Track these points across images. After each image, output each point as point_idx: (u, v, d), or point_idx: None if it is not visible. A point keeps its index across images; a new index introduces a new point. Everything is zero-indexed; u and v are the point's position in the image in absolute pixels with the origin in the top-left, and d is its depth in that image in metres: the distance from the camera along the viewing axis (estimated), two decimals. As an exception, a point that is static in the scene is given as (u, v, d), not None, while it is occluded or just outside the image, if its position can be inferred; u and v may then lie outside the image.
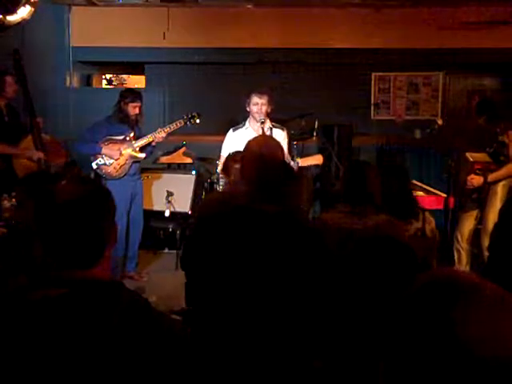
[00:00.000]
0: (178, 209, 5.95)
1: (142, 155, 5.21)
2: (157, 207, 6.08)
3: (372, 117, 8.28)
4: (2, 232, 3.55)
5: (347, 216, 2.66)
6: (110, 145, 5.11)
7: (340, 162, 6.40)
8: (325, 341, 2.29)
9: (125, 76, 9.79)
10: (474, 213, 4.73)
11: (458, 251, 4.81)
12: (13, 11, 4.66)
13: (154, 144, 5.25)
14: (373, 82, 8.43)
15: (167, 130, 5.19)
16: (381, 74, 8.41)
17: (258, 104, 4.53)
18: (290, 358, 2.18)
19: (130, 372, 1.24)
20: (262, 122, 4.54)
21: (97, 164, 5.09)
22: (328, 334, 2.30)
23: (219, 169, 5.01)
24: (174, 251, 5.85)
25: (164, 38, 7.21)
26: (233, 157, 3.52)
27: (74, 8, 7.45)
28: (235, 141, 4.60)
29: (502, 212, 3.04)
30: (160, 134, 5.16)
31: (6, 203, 3.94)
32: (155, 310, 1.38)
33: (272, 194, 2.36)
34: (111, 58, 7.87)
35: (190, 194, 6.21)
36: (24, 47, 5.59)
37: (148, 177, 6.13)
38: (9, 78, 4.60)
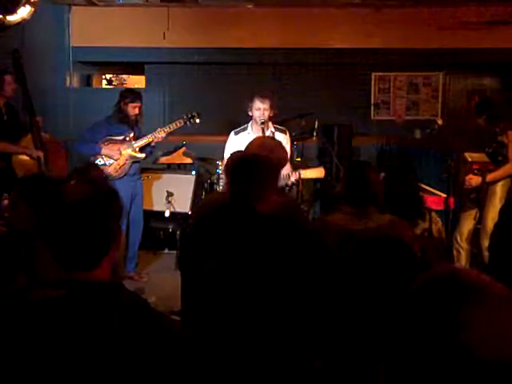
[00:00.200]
0: (178, 209, 5.95)
1: (142, 155, 5.21)
2: (157, 207, 6.08)
3: (372, 117, 8.28)
4: (2, 231, 3.55)
5: (351, 217, 2.66)
6: (110, 145, 5.11)
7: (340, 162, 6.40)
8: (325, 341, 2.29)
9: (125, 76, 9.79)
10: (473, 212, 4.73)
11: (458, 251, 4.82)
12: (13, 11, 4.66)
13: (153, 144, 5.25)
14: (373, 82, 8.43)
15: (167, 129, 5.18)
16: (381, 73, 8.41)
17: (261, 109, 4.51)
18: (289, 358, 2.17)
19: (130, 373, 1.24)
20: (263, 123, 4.53)
21: (96, 164, 5.09)
22: (328, 335, 2.30)
23: (221, 171, 5.01)
24: (174, 251, 5.85)
25: (164, 38, 7.21)
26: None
27: (73, 8, 7.45)
28: (237, 145, 4.58)
29: (502, 212, 3.04)
30: (160, 134, 5.15)
31: (6, 202, 3.94)
32: (155, 311, 1.38)
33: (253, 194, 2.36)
34: (111, 58, 7.87)
35: (190, 195, 6.21)
36: (24, 47, 5.59)
37: (148, 177, 6.13)
38: (7, 77, 4.59)
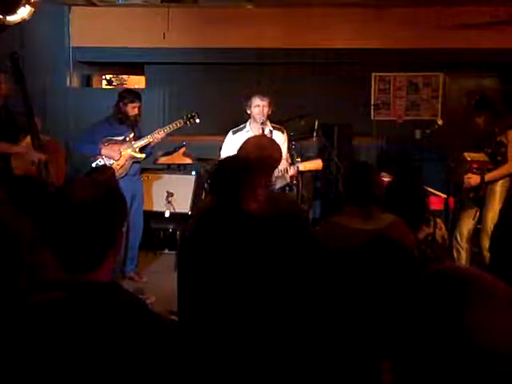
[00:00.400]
0: (178, 209, 5.95)
1: (142, 155, 5.21)
2: (157, 208, 6.08)
3: (372, 117, 8.27)
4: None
5: (354, 217, 2.66)
6: (110, 145, 5.11)
7: (340, 162, 6.40)
8: (325, 341, 2.29)
9: (125, 76, 9.78)
10: (473, 212, 4.73)
11: (458, 251, 4.82)
12: (13, 11, 4.65)
13: (152, 145, 5.25)
14: (373, 82, 8.43)
15: (167, 130, 5.18)
16: (381, 74, 8.41)
17: (260, 106, 4.53)
18: (289, 359, 2.17)
19: (128, 374, 1.24)
20: (263, 123, 4.54)
21: (97, 165, 5.09)
22: (327, 335, 2.30)
23: None
24: (174, 252, 5.85)
25: (164, 38, 7.20)
26: None
27: (73, 8, 7.44)
28: (235, 144, 4.60)
29: (502, 212, 3.05)
30: (159, 135, 5.15)
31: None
32: (153, 312, 1.38)
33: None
34: (111, 58, 7.86)
35: (190, 195, 6.20)
36: (24, 47, 5.60)
37: (148, 177, 6.13)
38: (2, 76, 4.59)
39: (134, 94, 5.16)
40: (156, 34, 7.26)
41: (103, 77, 9.35)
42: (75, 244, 1.32)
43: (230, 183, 2.37)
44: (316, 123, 6.68)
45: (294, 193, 5.26)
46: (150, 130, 5.20)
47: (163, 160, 6.59)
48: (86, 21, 7.41)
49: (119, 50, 7.58)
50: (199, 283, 2.24)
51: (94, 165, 5.08)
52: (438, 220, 3.11)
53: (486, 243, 4.48)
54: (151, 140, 5.17)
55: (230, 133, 4.72)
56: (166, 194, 5.87)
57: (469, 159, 4.65)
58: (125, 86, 9.50)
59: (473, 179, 4.59)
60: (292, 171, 4.41)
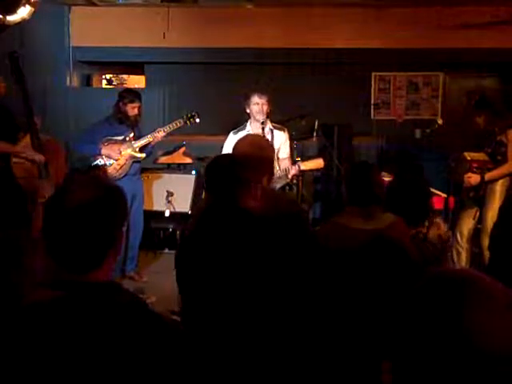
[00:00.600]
0: (178, 209, 5.95)
1: (142, 155, 5.21)
2: (157, 207, 6.08)
3: (372, 117, 8.27)
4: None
5: (355, 217, 2.67)
6: (110, 145, 5.10)
7: (340, 162, 6.40)
8: (325, 340, 2.29)
9: (125, 76, 9.79)
10: (473, 211, 4.73)
11: (458, 250, 4.81)
12: (13, 11, 4.65)
13: (152, 144, 5.25)
14: (373, 82, 8.43)
15: (167, 129, 5.18)
16: (381, 73, 8.41)
17: (259, 104, 4.54)
18: (289, 358, 2.17)
19: (129, 373, 1.24)
20: (263, 123, 4.54)
21: (96, 165, 5.09)
22: (327, 334, 2.30)
23: None
24: (174, 251, 5.85)
25: (164, 38, 7.20)
26: None
27: (73, 8, 7.44)
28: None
29: (501, 210, 3.04)
30: (159, 134, 5.15)
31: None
32: (154, 312, 1.38)
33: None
34: (111, 58, 7.87)
35: (190, 195, 6.21)
36: (24, 47, 5.59)
37: (148, 177, 6.13)
38: None
39: (133, 94, 5.16)
40: (156, 33, 7.26)
41: (103, 77, 9.36)
42: (75, 244, 1.32)
43: (224, 180, 2.37)
44: (316, 123, 6.68)
45: (293, 193, 5.26)
46: (150, 130, 5.20)
47: (163, 160, 6.60)
48: (86, 21, 7.41)
49: (119, 49, 7.58)
50: (199, 283, 2.23)
51: (93, 165, 5.08)
52: (437, 220, 3.09)
53: (486, 243, 4.48)
54: (151, 140, 5.17)
55: (231, 133, 4.71)
56: (166, 194, 5.87)
57: (469, 159, 4.66)
58: (125, 85, 9.51)
59: (473, 178, 4.59)
60: (294, 171, 4.41)
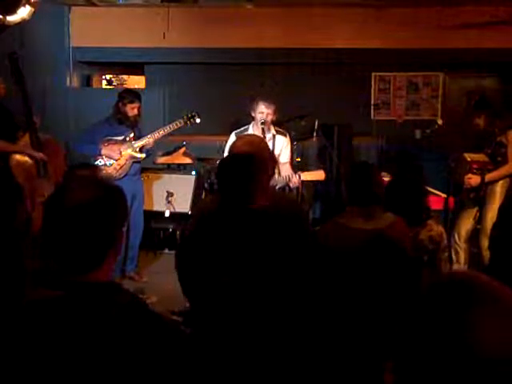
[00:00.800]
0: (178, 209, 5.96)
1: (143, 155, 5.21)
2: (157, 208, 6.08)
3: (372, 117, 8.27)
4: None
5: (356, 217, 2.67)
6: (110, 145, 5.10)
7: (340, 162, 6.40)
8: (325, 340, 2.29)
9: (125, 76, 9.78)
10: (473, 212, 4.73)
11: (456, 250, 4.81)
12: (13, 11, 4.65)
13: (152, 144, 5.24)
14: (373, 82, 8.42)
15: (167, 130, 5.18)
16: (381, 73, 8.41)
17: (264, 113, 4.56)
18: (290, 358, 2.17)
19: (129, 373, 1.24)
20: (263, 123, 4.55)
21: (97, 165, 5.09)
22: (328, 334, 2.30)
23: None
24: (174, 252, 5.84)
25: (164, 38, 7.20)
26: None
27: (73, 8, 7.44)
28: None
29: (501, 210, 3.04)
30: (159, 134, 5.16)
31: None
32: (154, 312, 1.37)
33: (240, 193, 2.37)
34: (111, 58, 7.86)
35: (190, 195, 6.21)
36: (24, 47, 5.59)
37: (148, 177, 6.13)
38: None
39: (133, 95, 5.16)
40: (156, 33, 7.25)
41: (103, 77, 9.35)
42: (75, 244, 1.32)
43: (242, 180, 2.37)
44: (316, 123, 6.68)
45: (293, 193, 5.26)
46: (150, 130, 5.20)
47: (163, 160, 6.60)
48: (86, 21, 7.41)
49: (119, 50, 7.58)
50: (215, 282, 2.23)
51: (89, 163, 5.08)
52: (429, 221, 3.07)
53: (485, 243, 4.48)
54: (151, 140, 5.16)
55: (233, 134, 4.71)
56: (166, 194, 5.87)
57: (469, 159, 4.66)
58: (125, 85, 9.50)
59: (473, 179, 4.59)
60: (294, 180, 4.41)
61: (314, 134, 6.72)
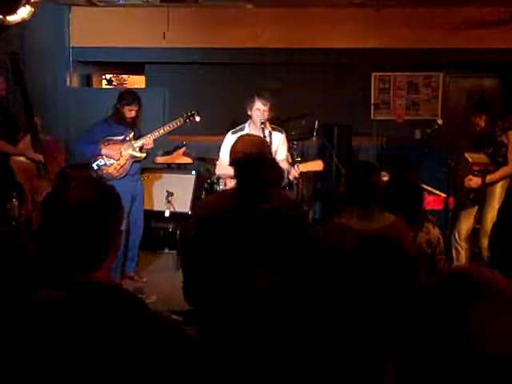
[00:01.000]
0: (178, 209, 5.95)
1: (143, 155, 5.21)
2: (157, 207, 6.08)
3: (372, 117, 8.28)
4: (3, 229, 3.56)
5: (356, 218, 2.67)
6: (110, 145, 5.10)
7: (340, 162, 6.40)
8: (326, 340, 2.29)
9: (125, 76, 9.78)
10: (473, 212, 4.73)
11: (457, 250, 4.82)
12: (13, 11, 4.65)
13: (152, 145, 5.23)
14: (373, 82, 8.43)
15: (167, 128, 5.19)
16: (381, 74, 8.41)
17: (261, 110, 4.55)
18: (293, 358, 2.18)
19: (130, 373, 1.24)
20: (262, 123, 4.55)
21: (97, 165, 5.09)
22: (329, 334, 2.30)
23: (217, 171, 5.00)
24: (174, 251, 5.85)
25: (164, 38, 7.20)
26: None
27: (73, 8, 7.44)
28: None
29: (501, 210, 3.04)
30: (159, 133, 5.16)
31: (6, 203, 3.95)
32: (154, 312, 1.38)
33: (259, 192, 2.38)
34: (111, 58, 7.86)
35: (190, 195, 6.21)
36: (24, 47, 5.60)
37: (148, 177, 6.13)
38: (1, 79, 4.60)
39: (132, 97, 5.10)
40: (156, 33, 7.26)
41: (103, 77, 9.35)
42: (74, 245, 1.32)
43: (258, 180, 2.38)
44: (316, 123, 6.68)
45: (293, 192, 5.26)
46: (150, 130, 5.20)
47: (163, 160, 6.60)
48: (86, 21, 7.41)
49: (119, 49, 7.57)
50: (227, 282, 2.24)
51: (94, 165, 5.08)
52: (427, 224, 3.06)
53: (485, 243, 4.49)
54: (151, 139, 5.16)
55: (229, 133, 4.72)
56: (165, 194, 5.86)
57: (470, 160, 4.64)
58: (125, 85, 9.50)
59: (473, 181, 4.59)
60: (293, 172, 4.40)
61: (314, 134, 6.72)
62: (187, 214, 6.02)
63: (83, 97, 7.29)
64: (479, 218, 4.70)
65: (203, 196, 6.01)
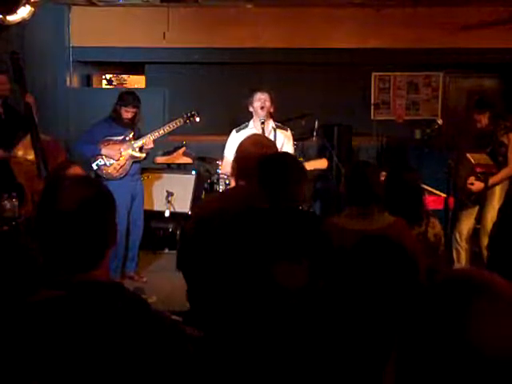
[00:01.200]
0: (178, 209, 5.96)
1: (143, 155, 5.21)
2: (157, 207, 6.08)
3: (372, 117, 8.28)
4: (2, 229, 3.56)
5: (354, 218, 2.67)
6: (110, 145, 5.10)
7: (340, 162, 6.40)
8: (327, 340, 2.29)
9: (125, 76, 9.78)
10: (473, 212, 4.73)
11: (457, 250, 4.82)
12: (13, 11, 4.65)
13: (151, 145, 5.23)
14: (373, 82, 8.43)
15: (167, 129, 5.18)
16: (381, 73, 8.41)
17: (262, 99, 4.53)
18: (297, 358, 2.18)
19: (131, 372, 1.24)
20: (263, 122, 4.54)
21: (97, 165, 5.08)
22: (333, 335, 2.30)
23: (221, 170, 4.99)
24: (174, 251, 5.85)
25: (164, 38, 7.20)
26: None
27: (73, 8, 7.44)
28: (239, 142, 4.58)
29: (501, 210, 3.05)
30: (159, 134, 5.16)
31: (6, 203, 3.95)
32: (156, 311, 1.38)
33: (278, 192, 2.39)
34: (111, 58, 7.86)
35: (190, 195, 6.21)
36: (24, 47, 5.60)
37: (148, 177, 6.13)
38: (1, 77, 4.59)
39: (129, 98, 5.08)
40: (156, 33, 7.26)
41: (103, 77, 9.35)
42: (71, 246, 1.32)
43: (286, 180, 2.40)
44: (316, 123, 6.68)
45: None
46: (150, 130, 5.20)
47: (163, 160, 6.60)
48: (86, 21, 7.41)
49: (119, 49, 7.57)
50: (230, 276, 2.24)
51: (94, 165, 5.08)
52: (432, 219, 3.10)
53: (485, 242, 4.49)
54: (151, 139, 5.16)
55: (234, 131, 4.70)
56: (165, 194, 5.87)
57: (473, 161, 4.62)
58: (125, 85, 9.50)
59: (475, 186, 4.58)
60: None
61: (314, 134, 6.72)
62: (187, 214, 6.02)
63: (83, 97, 7.29)
64: (479, 218, 4.70)
65: (203, 196, 6.01)
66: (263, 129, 4.52)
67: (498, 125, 4.62)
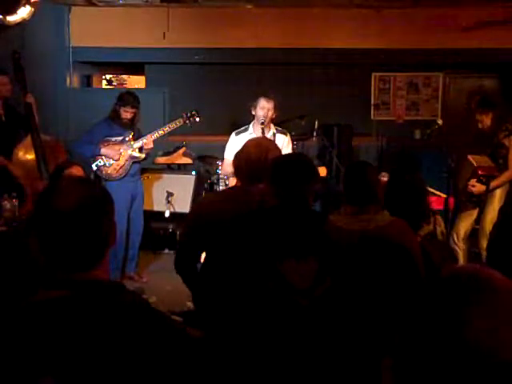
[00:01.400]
0: (178, 209, 5.96)
1: (142, 155, 5.21)
2: (157, 208, 6.08)
3: (372, 117, 8.28)
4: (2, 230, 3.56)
5: (352, 217, 2.67)
6: (110, 146, 5.10)
7: (340, 162, 6.40)
8: (331, 341, 2.30)
9: (125, 76, 9.78)
10: (473, 213, 4.72)
11: (455, 251, 4.81)
12: (13, 11, 4.65)
13: (151, 146, 5.23)
14: (373, 82, 8.43)
15: (167, 129, 5.18)
16: (381, 74, 8.41)
17: (265, 108, 4.54)
18: (300, 358, 2.18)
19: (133, 372, 1.25)
20: (263, 123, 4.54)
21: (97, 165, 5.08)
22: (334, 335, 2.30)
23: (221, 172, 4.99)
24: (174, 251, 5.85)
25: (164, 38, 7.20)
26: None
27: (73, 8, 7.44)
28: (238, 145, 4.58)
29: (502, 211, 3.05)
30: (159, 134, 5.16)
31: (6, 203, 3.95)
32: (156, 311, 1.38)
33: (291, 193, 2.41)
34: (111, 58, 7.86)
35: (190, 195, 6.21)
36: (24, 47, 5.59)
37: (148, 177, 6.13)
38: (3, 78, 4.59)
39: (128, 98, 5.07)
40: (156, 33, 7.26)
41: (103, 77, 9.35)
42: (70, 246, 1.32)
43: (299, 182, 2.42)
44: (316, 123, 6.68)
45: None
46: (150, 130, 5.19)
47: (163, 160, 6.60)
48: (86, 21, 7.41)
49: (119, 50, 7.57)
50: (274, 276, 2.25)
51: (94, 165, 5.08)
52: (438, 217, 3.11)
53: (484, 244, 4.48)
54: (151, 139, 5.16)
55: (233, 134, 4.71)
56: (166, 194, 5.87)
57: (475, 164, 4.61)
58: (125, 86, 9.51)
59: (477, 188, 4.57)
60: None
61: (314, 134, 6.72)
62: (187, 214, 6.02)
63: (83, 97, 7.30)
64: (479, 219, 4.70)
65: (203, 196, 6.01)
66: (263, 130, 4.53)
67: (501, 126, 4.61)
